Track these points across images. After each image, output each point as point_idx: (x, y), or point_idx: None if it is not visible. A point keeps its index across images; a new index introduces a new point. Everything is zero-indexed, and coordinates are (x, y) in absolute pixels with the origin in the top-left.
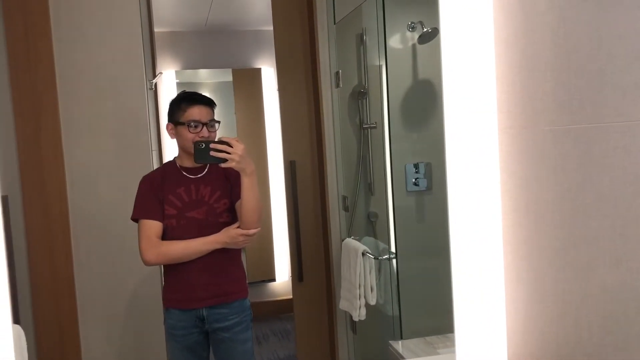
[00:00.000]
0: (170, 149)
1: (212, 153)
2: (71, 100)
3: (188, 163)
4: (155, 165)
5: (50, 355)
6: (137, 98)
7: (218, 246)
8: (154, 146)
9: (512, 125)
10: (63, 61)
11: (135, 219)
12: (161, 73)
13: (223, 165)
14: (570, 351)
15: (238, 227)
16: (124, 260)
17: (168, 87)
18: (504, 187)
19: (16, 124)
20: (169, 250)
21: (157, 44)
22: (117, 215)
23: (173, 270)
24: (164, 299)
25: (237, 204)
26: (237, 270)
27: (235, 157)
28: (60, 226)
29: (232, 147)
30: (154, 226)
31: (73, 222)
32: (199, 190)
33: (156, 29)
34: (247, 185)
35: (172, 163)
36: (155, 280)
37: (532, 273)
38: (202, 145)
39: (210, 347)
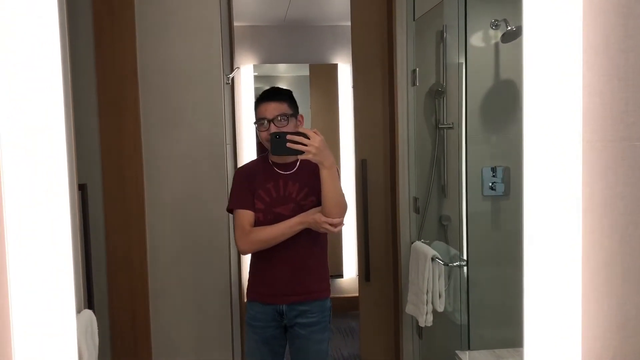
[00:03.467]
0: (247, 143)
1: (288, 145)
2: (151, 93)
3: (276, 159)
4: (230, 159)
5: (123, 341)
6: (214, 92)
7: (303, 227)
8: (229, 140)
9: (599, 138)
10: (145, 55)
11: (230, 209)
12: (238, 68)
13: (300, 157)
14: None
15: None
16: (197, 251)
17: (246, 81)
18: (585, 204)
19: (100, 115)
20: (258, 234)
21: (237, 38)
22: (191, 206)
23: (258, 265)
24: (247, 291)
25: (321, 200)
26: (321, 269)
27: (312, 148)
28: (136, 215)
29: (309, 138)
30: (247, 216)
31: (149, 212)
32: (287, 187)
33: (236, 23)
34: (326, 178)
35: (264, 157)
36: (227, 272)
37: (613, 298)
38: (278, 137)
39: (289, 346)
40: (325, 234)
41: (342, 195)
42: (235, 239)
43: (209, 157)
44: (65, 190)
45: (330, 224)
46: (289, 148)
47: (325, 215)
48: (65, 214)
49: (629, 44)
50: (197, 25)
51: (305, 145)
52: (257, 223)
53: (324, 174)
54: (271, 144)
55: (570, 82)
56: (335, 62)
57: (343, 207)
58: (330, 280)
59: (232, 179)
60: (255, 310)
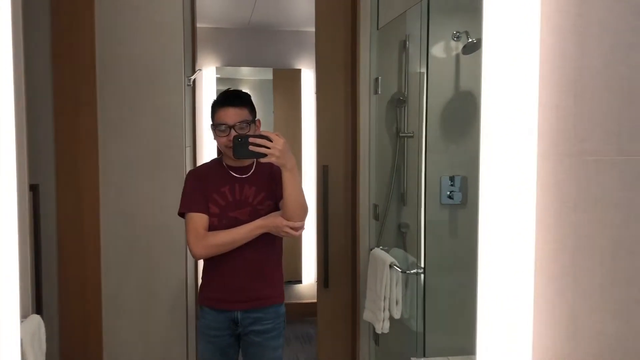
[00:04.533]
0: (207, 146)
1: (251, 147)
2: (109, 93)
3: (231, 162)
4: (189, 162)
5: (73, 347)
6: (174, 94)
7: (262, 231)
8: (189, 142)
9: (553, 151)
10: (104, 53)
11: (182, 213)
12: (200, 70)
13: (263, 160)
14: None
15: None
16: (152, 255)
17: (208, 83)
18: (539, 216)
19: (55, 114)
20: (216, 239)
21: (199, 39)
22: (148, 210)
23: (212, 269)
24: (200, 296)
25: (281, 202)
26: (276, 274)
27: (275, 151)
28: (90, 218)
29: (271, 141)
30: (201, 219)
31: (103, 214)
32: (243, 191)
33: (199, 25)
34: (289, 180)
35: (218, 160)
36: (183, 277)
37: (565, 310)
38: (241, 140)
39: (240, 351)
40: (281, 239)
41: (304, 198)
42: (188, 244)
43: (168, 159)
44: (12, 190)
45: (291, 228)
46: (252, 151)
47: (286, 219)
48: (12, 216)
49: (584, 62)
50: (159, 25)
51: (268, 148)
52: (212, 228)
53: (287, 177)
54: (233, 146)
55: (526, 95)
56: (298, 67)
57: (304, 210)
58: (286, 285)
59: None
60: (209, 319)
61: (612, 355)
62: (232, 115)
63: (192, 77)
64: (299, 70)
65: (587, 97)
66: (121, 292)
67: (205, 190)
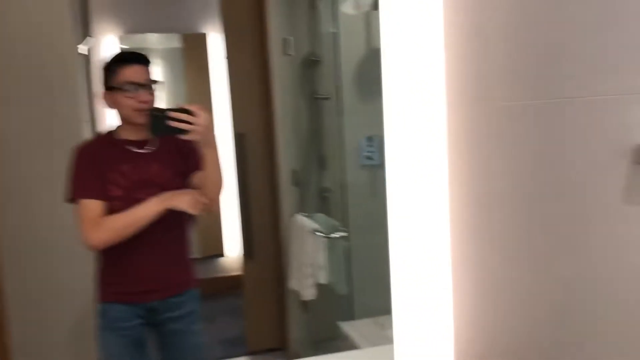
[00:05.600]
0: (109, 122)
1: (171, 123)
2: None
3: (132, 135)
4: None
5: None
6: (65, 65)
7: (163, 207)
8: (86, 117)
9: (463, 100)
10: None
11: (72, 199)
12: (90, 36)
13: (185, 137)
14: (521, 347)
15: None
16: (56, 246)
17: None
18: (451, 168)
19: None
20: (111, 223)
21: (96, 5)
22: (46, 193)
23: (116, 260)
24: (101, 293)
25: (195, 181)
26: (187, 255)
27: (200, 128)
28: None
29: (194, 116)
30: (96, 206)
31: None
32: (149, 168)
33: None
34: (212, 159)
35: (109, 135)
36: (91, 269)
37: (481, 262)
38: (157, 114)
39: (157, 343)
40: (191, 217)
41: (223, 177)
42: (82, 234)
43: (65, 137)
44: None
45: (207, 205)
46: (171, 127)
47: (210, 198)
48: None
49: (487, 3)
50: None
51: (190, 123)
52: (116, 212)
53: (210, 155)
54: (150, 122)
55: (431, 43)
56: (203, 32)
57: (222, 188)
58: (208, 260)
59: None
60: (117, 312)
61: (529, 306)
62: (142, 72)
63: (85, 46)
64: (204, 35)
65: (492, 42)
66: (26, 288)
67: (101, 170)
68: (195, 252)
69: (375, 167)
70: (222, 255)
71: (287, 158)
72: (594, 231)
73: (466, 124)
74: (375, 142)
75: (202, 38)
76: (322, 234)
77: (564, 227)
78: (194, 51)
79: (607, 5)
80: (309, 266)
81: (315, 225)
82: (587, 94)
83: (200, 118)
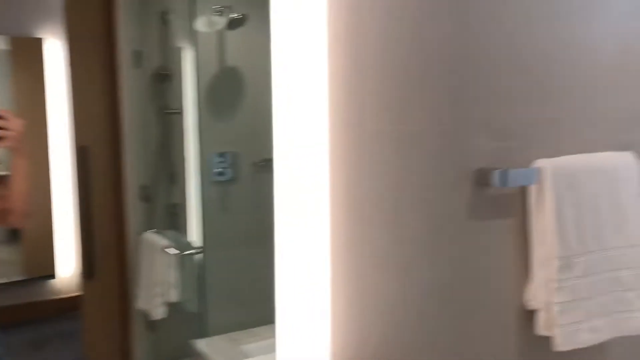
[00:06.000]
0: None
1: None
2: None
3: None
4: None
5: None
6: None
7: None
8: None
9: (342, 123)
10: None
11: None
12: None
13: None
14: (388, 350)
15: None
16: None
17: None
18: (332, 184)
19: None
20: None
21: None
22: None
23: None
24: None
25: None
26: None
27: (14, 134)
28: None
29: (7, 121)
30: None
31: None
32: None
33: None
34: (24, 169)
35: None
36: None
37: (356, 272)
38: None
39: None
40: None
41: (29, 188)
42: None
43: None
44: None
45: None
46: None
47: (12, 215)
48: None
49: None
50: None
51: (3, 129)
52: None
53: (20, 165)
54: None
55: (316, 71)
56: (39, 36)
57: (28, 202)
58: (37, 282)
59: None
60: None
61: (395, 312)
62: None
63: None
64: (40, 40)
65: (366, 73)
66: None
67: None
68: (19, 273)
69: (227, 182)
70: (53, 276)
71: (135, 173)
72: (446, 241)
73: (344, 145)
74: (227, 158)
75: (37, 43)
76: (173, 251)
77: (422, 238)
78: (25, 56)
79: (458, 50)
80: (159, 284)
81: (165, 242)
82: (439, 124)
83: (12, 123)
